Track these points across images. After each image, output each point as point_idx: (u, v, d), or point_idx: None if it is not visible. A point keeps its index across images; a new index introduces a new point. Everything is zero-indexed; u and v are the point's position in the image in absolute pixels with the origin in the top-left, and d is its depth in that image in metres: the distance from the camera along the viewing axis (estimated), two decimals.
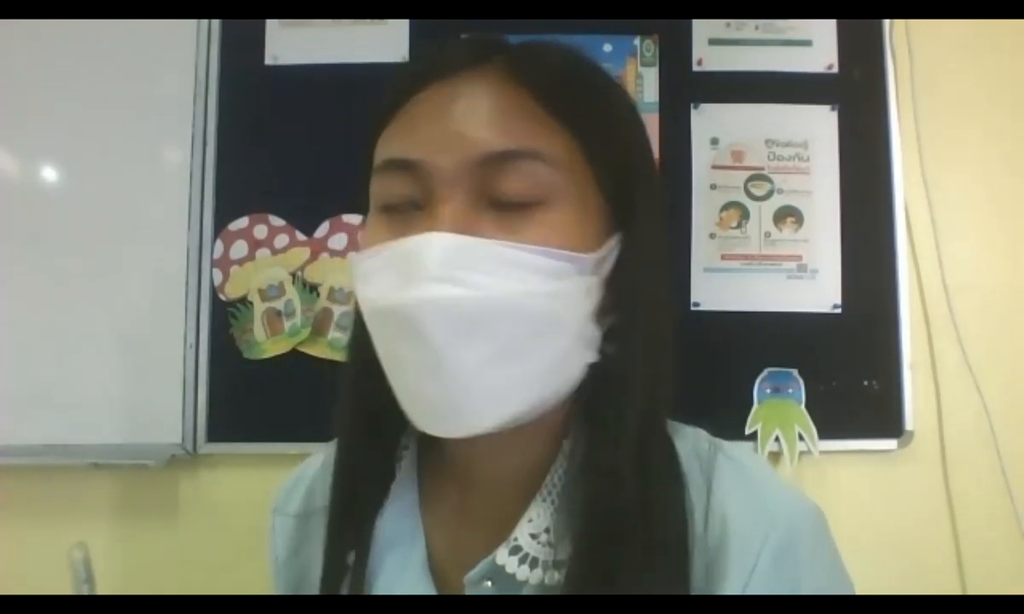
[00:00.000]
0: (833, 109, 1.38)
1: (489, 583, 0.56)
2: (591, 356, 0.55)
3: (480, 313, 0.50)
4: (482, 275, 0.49)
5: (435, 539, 0.62)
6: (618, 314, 0.55)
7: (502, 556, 0.55)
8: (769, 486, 0.56)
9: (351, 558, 0.61)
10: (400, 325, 0.50)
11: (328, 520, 0.62)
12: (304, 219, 1.37)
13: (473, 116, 0.52)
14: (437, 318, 0.49)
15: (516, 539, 0.56)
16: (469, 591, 0.57)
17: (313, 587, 0.62)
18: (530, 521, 0.56)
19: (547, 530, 0.55)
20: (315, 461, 0.71)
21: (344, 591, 0.60)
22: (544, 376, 0.53)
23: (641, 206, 0.56)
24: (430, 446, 0.63)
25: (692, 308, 1.34)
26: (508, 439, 0.54)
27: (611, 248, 0.56)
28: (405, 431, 0.63)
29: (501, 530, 0.56)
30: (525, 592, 0.55)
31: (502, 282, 0.50)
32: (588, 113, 0.55)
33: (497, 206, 0.52)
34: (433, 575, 0.61)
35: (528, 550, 0.55)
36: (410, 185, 0.53)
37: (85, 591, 0.81)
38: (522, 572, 0.55)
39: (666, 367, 0.56)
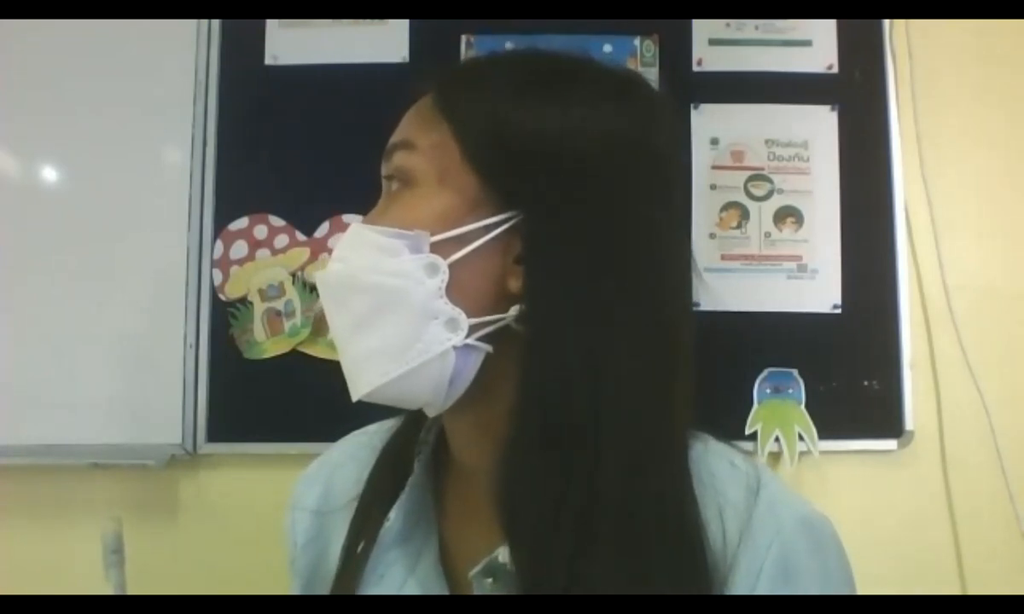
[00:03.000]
0: (833, 109, 1.37)
1: (491, 580, 0.56)
2: (457, 339, 0.54)
3: (341, 285, 0.57)
4: (354, 255, 0.57)
5: (448, 535, 0.62)
6: (524, 292, 0.54)
7: (504, 553, 0.55)
8: (778, 495, 0.55)
9: (360, 548, 0.61)
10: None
11: (355, 510, 0.64)
12: (304, 219, 1.37)
13: (401, 124, 0.60)
14: (323, 288, 0.59)
15: None
16: (475, 588, 0.57)
17: (327, 577, 0.63)
18: None
19: None
20: (336, 453, 0.72)
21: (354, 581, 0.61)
22: (401, 352, 0.54)
23: (544, 188, 0.54)
24: (445, 441, 0.63)
25: (692, 308, 1.34)
26: (473, 431, 0.58)
27: (490, 227, 0.54)
28: (425, 425, 0.64)
29: None
30: None
31: (357, 259, 0.57)
32: (466, 101, 0.56)
33: (388, 193, 0.59)
34: (445, 572, 0.61)
35: None
36: None
37: (113, 562, 0.81)
38: None
39: (581, 351, 0.53)
